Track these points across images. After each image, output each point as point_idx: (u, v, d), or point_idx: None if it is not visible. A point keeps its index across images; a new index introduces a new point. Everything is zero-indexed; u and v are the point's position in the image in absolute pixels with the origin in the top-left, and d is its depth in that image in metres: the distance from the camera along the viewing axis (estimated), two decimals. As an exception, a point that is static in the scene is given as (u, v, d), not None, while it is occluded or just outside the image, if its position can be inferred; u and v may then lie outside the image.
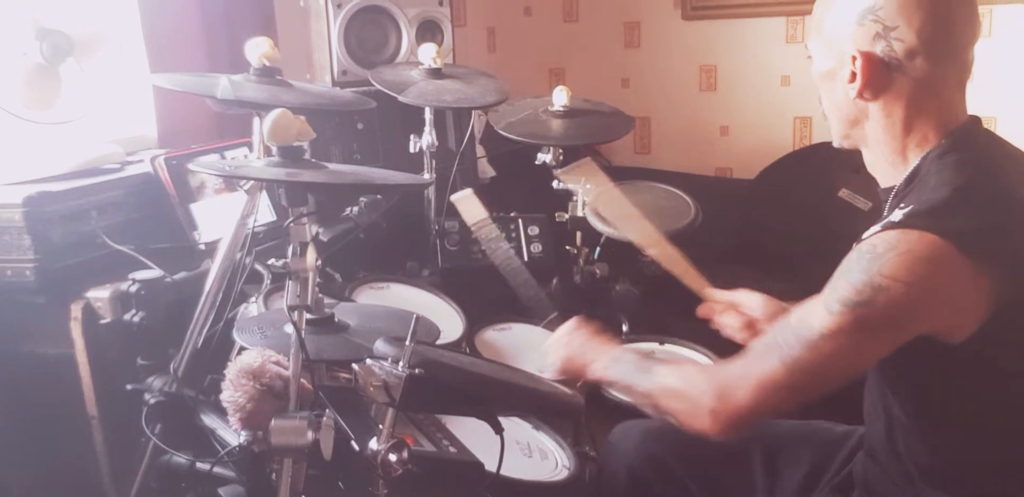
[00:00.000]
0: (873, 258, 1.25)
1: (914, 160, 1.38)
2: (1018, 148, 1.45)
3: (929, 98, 1.36)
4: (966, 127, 1.39)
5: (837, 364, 1.28)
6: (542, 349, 1.71)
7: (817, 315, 1.28)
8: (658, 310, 2.76)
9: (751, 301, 1.75)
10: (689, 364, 1.45)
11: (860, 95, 1.37)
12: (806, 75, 1.50)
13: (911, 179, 1.37)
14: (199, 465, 1.68)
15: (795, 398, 1.31)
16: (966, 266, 1.23)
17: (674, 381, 1.40)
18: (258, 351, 1.45)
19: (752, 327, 1.74)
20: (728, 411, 1.31)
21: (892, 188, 1.41)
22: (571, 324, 1.68)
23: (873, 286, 1.24)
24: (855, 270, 1.26)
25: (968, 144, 1.37)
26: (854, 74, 1.36)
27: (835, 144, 1.50)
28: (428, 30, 2.90)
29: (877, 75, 1.34)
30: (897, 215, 1.28)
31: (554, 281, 2.50)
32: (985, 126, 1.44)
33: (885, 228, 1.27)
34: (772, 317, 1.70)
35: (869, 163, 1.48)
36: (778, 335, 1.32)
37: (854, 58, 1.35)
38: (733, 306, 1.77)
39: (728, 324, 1.77)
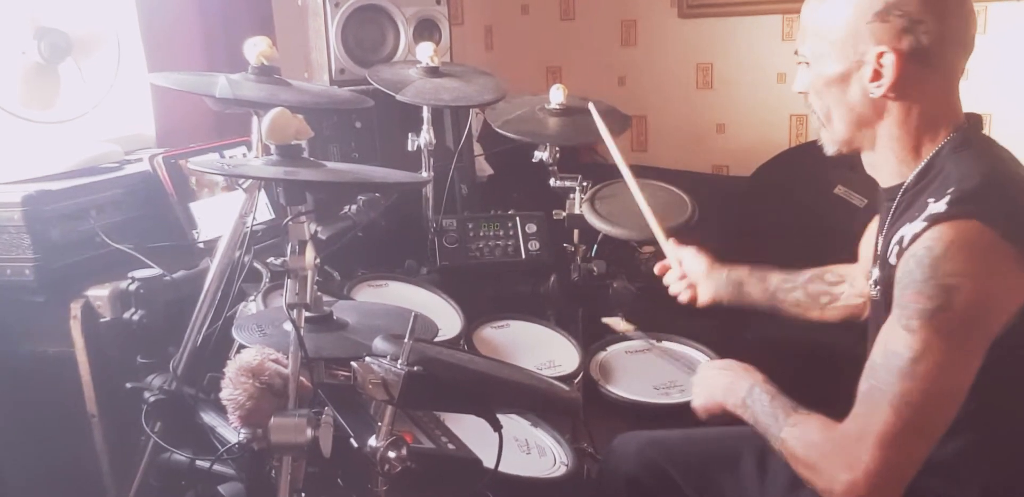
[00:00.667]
0: (933, 260, 1.22)
1: (926, 155, 1.38)
2: (1003, 146, 1.46)
3: (947, 92, 1.38)
4: (972, 123, 1.40)
5: (943, 386, 1.22)
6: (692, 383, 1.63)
7: (899, 339, 1.23)
8: (655, 307, 2.77)
9: (691, 262, 1.87)
10: (812, 421, 1.33)
11: (887, 93, 1.35)
12: (802, 72, 1.50)
13: (924, 174, 1.37)
14: (199, 463, 1.69)
15: (926, 440, 1.24)
16: (1010, 252, 1.22)
17: (801, 448, 1.32)
18: (257, 349, 1.45)
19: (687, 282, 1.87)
20: (865, 480, 1.22)
21: (899, 186, 1.40)
22: (712, 364, 1.64)
23: (943, 287, 1.20)
24: (919, 278, 1.22)
25: (978, 139, 1.39)
26: (877, 73, 1.34)
27: (830, 151, 1.48)
28: (426, 29, 2.90)
29: (906, 70, 1.33)
30: (938, 207, 1.26)
31: (551, 279, 2.51)
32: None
33: (933, 222, 1.25)
34: (697, 273, 1.86)
35: (871, 164, 1.46)
36: (873, 379, 1.25)
37: (880, 54, 1.33)
38: (678, 261, 1.88)
39: (670, 280, 1.88)
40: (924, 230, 1.25)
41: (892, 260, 1.33)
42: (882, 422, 1.22)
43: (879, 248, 1.47)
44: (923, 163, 1.38)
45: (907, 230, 1.30)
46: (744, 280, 1.84)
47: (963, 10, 1.35)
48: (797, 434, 1.34)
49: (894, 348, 1.24)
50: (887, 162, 1.43)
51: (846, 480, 1.24)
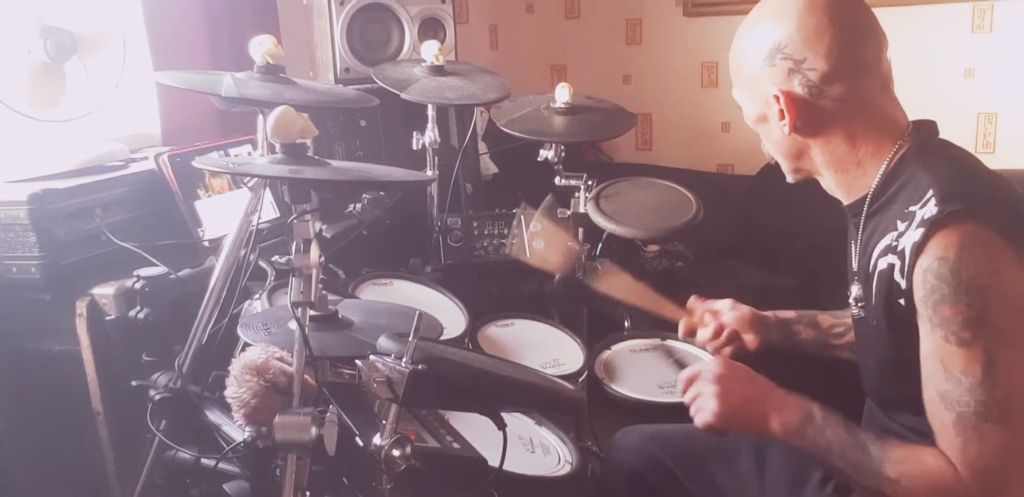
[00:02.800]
0: (951, 269, 1.22)
1: (877, 168, 1.39)
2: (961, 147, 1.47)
3: (861, 114, 1.39)
4: (922, 129, 1.41)
5: None
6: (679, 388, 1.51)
7: (959, 358, 1.22)
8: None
9: (730, 312, 1.78)
10: (921, 457, 1.26)
11: (793, 130, 1.40)
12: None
13: (888, 183, 1.38)
14: (204, 461, 1.69)
15: None
16: (1004, 244, 1.23)
17: (912, 484, 1.26)
18: (262, 347, 1.45)
19: (720, 333, 1.77)
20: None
21: (863, 198, 1.42)
22: (719, 366, 1.46)
23: (975, 291, 1.21)
24: (947, 291, 1.22)
25: (938, 143, 1.41)
26: (782, 112, 1.39)
27: (790, 180, 1.53)
28: (430, 27, 2.90)
29: (802, 108, 1.38)
30: (929, 210, 1.26)
31: (556, 277, 2.51)
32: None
33: (931, 226, 1.25)
34: (740, 322, 1.75)
35: (829, 188, 1.50)
36: (956, 406, 1.22)
37: (776, 97, 1.38)
38: (714, 315, 1.80)
39: (704, 338, 1.79)
40: (925, 238, 1.25)
41: (880, 273, 1.34)
42: (995, 439, 1.19)
43: (856, 264, 1.48)
44: (881, 173, 1.39)
45: (903, 241, 1.30)
46: (792, 322, 1.77)
47: (850, 38, 1.35)
48: (909, 473, 1.27)
49: (963, 368, 1.21)
50: (840, 183, 1.46)
51: None
